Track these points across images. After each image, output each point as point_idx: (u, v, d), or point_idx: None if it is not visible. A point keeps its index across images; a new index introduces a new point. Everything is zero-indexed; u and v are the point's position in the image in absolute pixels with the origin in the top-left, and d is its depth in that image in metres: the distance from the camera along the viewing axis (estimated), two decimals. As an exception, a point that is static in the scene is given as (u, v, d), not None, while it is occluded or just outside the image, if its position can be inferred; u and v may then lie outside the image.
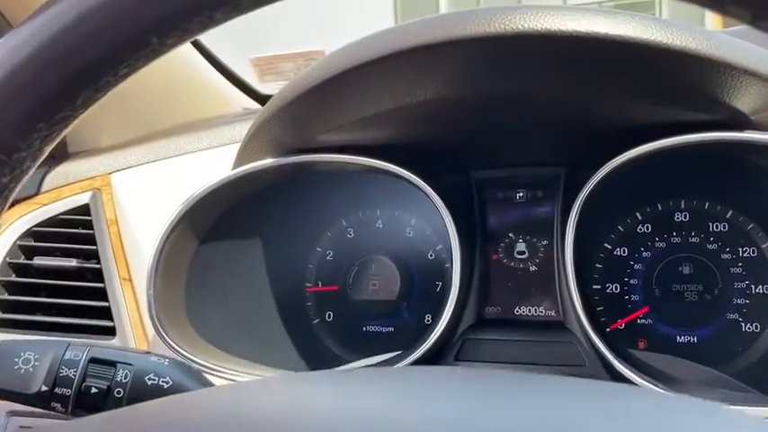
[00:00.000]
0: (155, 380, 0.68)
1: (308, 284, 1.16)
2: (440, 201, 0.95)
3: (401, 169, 0.93)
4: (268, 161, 0.90)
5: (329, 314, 1.15)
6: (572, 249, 0.92)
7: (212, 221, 0.94)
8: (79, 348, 0.68)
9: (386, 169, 0.93)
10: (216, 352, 0.93)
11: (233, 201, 0.95)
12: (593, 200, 0.95)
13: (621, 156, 0.87)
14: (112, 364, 0.68)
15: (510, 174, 1.09)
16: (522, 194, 1.10)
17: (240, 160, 0.95)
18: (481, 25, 0.69)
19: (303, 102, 0.82)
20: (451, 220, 0.96)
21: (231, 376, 0.90)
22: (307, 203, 1.09)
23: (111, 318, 1.01)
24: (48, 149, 0.48)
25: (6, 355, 0.67)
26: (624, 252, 1.04)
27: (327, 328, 1.15)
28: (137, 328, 1.00)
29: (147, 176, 1.18)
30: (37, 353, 0.67)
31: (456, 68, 0.75)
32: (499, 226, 1.10)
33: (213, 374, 0.90)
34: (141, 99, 1.29)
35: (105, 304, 1.02)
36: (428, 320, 1.11)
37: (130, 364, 0.68)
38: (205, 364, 0.89)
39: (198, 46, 1.33)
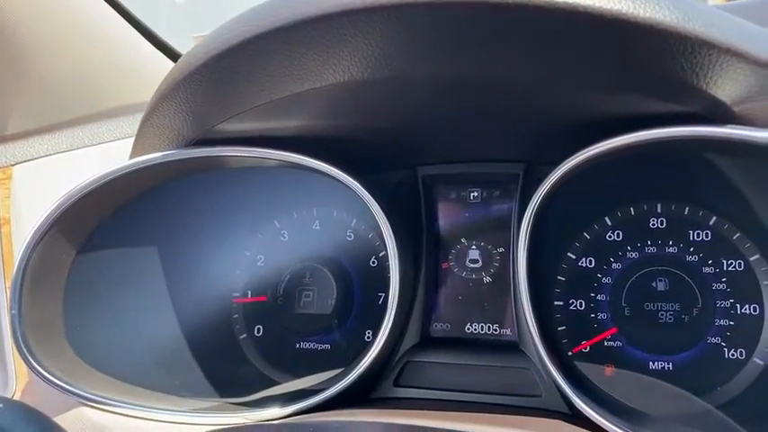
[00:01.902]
0: (-21, 431, 0.54)
1: (234, 294, 1.02)
2: (372, 200, 0.81)
3: (324, 164, 0.79)
4: (157, 155, 0.75)
5: (258, 328, 1.01)
6: (526, 257, 0.78)
7: (99, 224, 0.79)
8: None
9: (305, 165, 0.79)
10: (104, 380, 0.79)
11: (124, 199, 0.81)
12: (555, 201, 0.81)
13: (585, 151, 0.72)
14: None
15: (463, 170, 0.94)
16: (476, 194, 0.96)
17: (135, 152, 0.80)
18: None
19: (194, 82, 0.68)
20: (386, 221, 0.81)
21: (123, 409, 0.77)
22: (224, 202, 0.94)
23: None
24: None
25: None
26: (590, 263, 0.90)
27: (255, 344, 1.01)
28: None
29: (54, 169, 1.04)
30: None
31: (372, 44, 0.60)
32: (450, 229, 0.96)
33: (100, 407, 0.76)
34: (56, 81, 1.14)
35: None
36: (368, 337, 0.97)
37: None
38: (87, 395, 0.75)
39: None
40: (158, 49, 1.22)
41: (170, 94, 0.70)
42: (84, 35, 1.16)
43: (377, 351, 0.82)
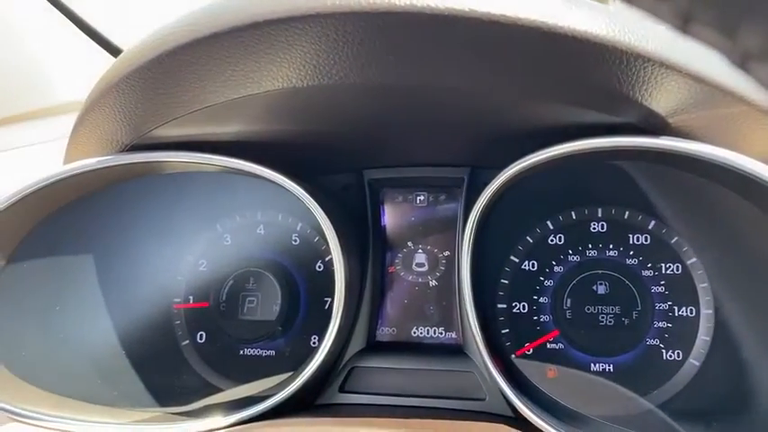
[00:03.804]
0: None
1: (176, 300, 1.00)
2: (315, 204, 0.80)
3: (264, 169, 0.77)
4: (92, 161, 0.72)
5: (201, 335, 0.99)
6: (469, 261, 0.78)
7: (28, 233, 0.76)
8: None
9: (245, 170, 0.77)
10: (35, 393, 0.75)
11: (56, 206, 0.78)
12: (499, 206, 0.81)
13: (526, 158, 0.73)
14: None
15: (409, 174, 0.94)
16: (422, 198, 0.95)
17: (68, 157, 0.77)
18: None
19: (127, 87, 0.65)
20: (330, 224, 0.80)
21: (56, 424, 0.74)
22: (164, 207, 0.92)
23: None
24: None
25: None
26: (533, 266, 0.91)
27: (198, 351, 0.99)
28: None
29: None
30: None
31: (309, 52, 0.59)
32: (396, 232, 0.96)
33: (31, 423, 0.73)
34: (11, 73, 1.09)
35: None
36: (314, 343, 0.96)
37: None
38: (17, 410, 0.72)
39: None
40: (101, 46, 1.18)
41: (102, 98, 0.68)
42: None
43: (322, 357, 0.81)
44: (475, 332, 0.78)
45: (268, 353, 0.97)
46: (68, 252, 0.81)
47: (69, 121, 1.06)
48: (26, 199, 0.72)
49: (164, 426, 0.77)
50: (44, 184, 0.71)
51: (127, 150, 0.75)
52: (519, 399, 0.74)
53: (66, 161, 0.78)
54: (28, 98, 1.17)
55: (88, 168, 0.72)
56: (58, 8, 1.05)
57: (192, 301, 0.99)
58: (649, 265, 0.87)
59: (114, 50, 1.19)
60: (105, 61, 1.22)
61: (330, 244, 0.82)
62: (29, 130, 1.11)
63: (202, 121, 0.72)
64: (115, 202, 0.84)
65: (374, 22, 0.53)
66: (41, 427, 0.73)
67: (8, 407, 0.71)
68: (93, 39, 1.17)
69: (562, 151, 0.68)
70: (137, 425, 0.76)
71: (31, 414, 0.72)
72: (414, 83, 0.63)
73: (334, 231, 0.81)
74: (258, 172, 0.77)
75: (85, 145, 0.74)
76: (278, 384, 0.88)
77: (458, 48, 0.55)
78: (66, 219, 0.78)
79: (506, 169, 0.74)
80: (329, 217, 0.81)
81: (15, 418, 0.72)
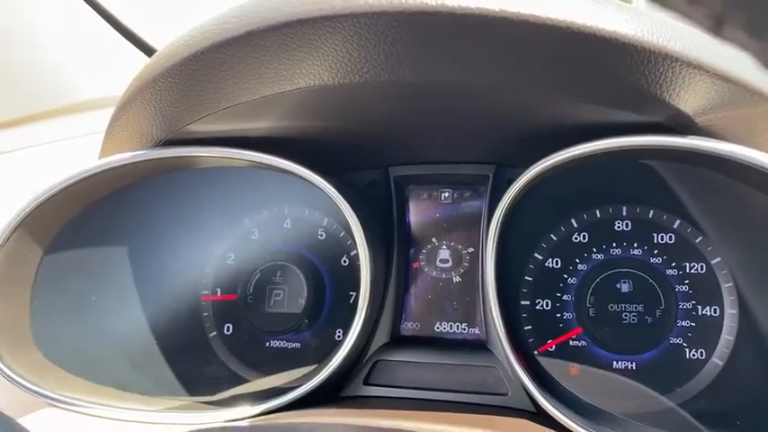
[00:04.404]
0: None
1: (204, 292, 1.02)
2: (342, 199, 0.81)
3: (293, 164, 0.79)
4: (128, 155, 0.75)
5: (228, 327, 1.01)
6: (494, 257, 0.79)
7: (67, 224, 0.78)
8: None
9: (274, 165, 0.79)
10: (73, 380, 0.78)
11: (93, 199, 0.80)
12: (523, 203, 0.82)
13: (552, 156, 0.74)
14: None
15: (434, 171, 0.95)
16: (447, 194, 0.97)
17: (104, 151, 0.79)
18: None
19: (163, 84, 0.67)
20: (357, 220, 0.82)
21: (92, 410, 0.76)
22: (195, 201, 0.94)
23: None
24: None
25: None
26: (557, 264, 0.91)
27: (225, 342, 1.01)
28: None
29: (26, 162, 1.02)
30: None
31: (341, 51, 0.61)
32: (421, 229, 0.97)
33: (68, 408, 0.76)
34: (31, 72, 1.12)
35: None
36: (339, 336, 0.98)
37: None
38: (54, 396, 0.75)
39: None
40: (134, 44, 1.21)
41: (139, 95, 0.70)
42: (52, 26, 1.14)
43: (347, 350, 0.83)
44: (498, 328, 0.79)
45: (294, 345, 0.99)
46: (103, 244, 0.84)
47: (91, 118, 1.10)
48: (63, 192, 0.74)
49: (194, 414, 0.79)
50: (81, 177, 0.74)
51: (161, 145, 0.77)
52: (541, 394, 0.75)
53: (102, 155, 0.80)
54: (53, 96, 1.19)
55: (123, 162, 0.74)
56: (93, 8, 1.07)
57: (219, 294, 1.02)
58: (673, 264, 0.87)
59: (147, 48, 1.21)
60: (128, 59, 1.25)
61: (356, 239, 0.83)
62: (55, 127, 1.13)
63: (234, 118, 0.74)
64: (148, 196, 0.86)
65: (405, 22, 0.54)
66: (78, 412, 0.76)
67: (47, 393, 0.74)
68: (127, 37, 1.19)
69: (589, 150, 0.69)
70: (168, 412, 0.79)
71: (68, 400, 0.75)
72: (442, 81, 0.64)
73: (360, 227, 0.82)
74: (287, 167, 0.79)
75: (121, 140, 0.76)
76: (303, 376, 0.90)
77: (487, 47, 0.56)
78: (101, 212, 0.81)
79: (532, 167, 0.75)
80: (356, 213, 0.82)
81: (54, 404, 0.75)
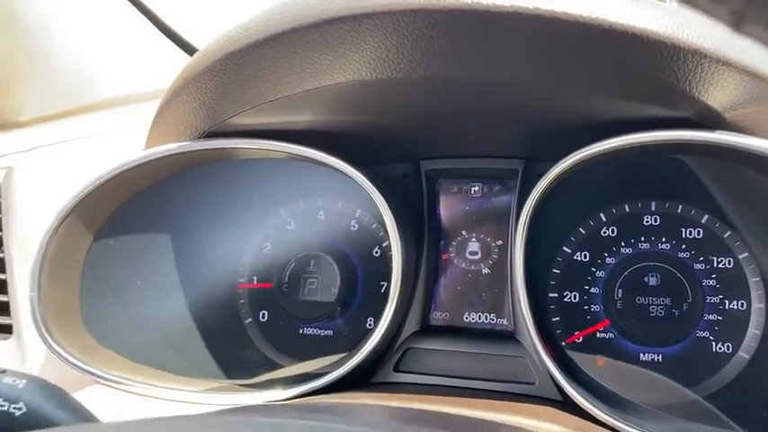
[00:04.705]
0: (4, 406, 0.58)
1: (240, 280, 1.06)
2: (376, 191, 0.84)
3: (330, 157, 0.82)
4: (173, 146, 0.78)
5: (263, 314, 1.05)
6: (523, 250, 0.81)
7: (113, 212, 0.82)
8: None
9: (311, 157, 0.82)
10: (119, 360, 0.82)
11: (138, 188, 0.84)
12: (553, 197, 0.84)
13: (581, 151, 0.75)
14: (-48, 386, 0.57)
15: (464, 165, 0.97)
16: (476, 188, 0.99)
17: (149, 143, 0.83)
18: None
19: (211, 77, 0.71)
20: (390, 213, 0.84)
21: (136, 389, 0.80)
22: (234, 191, 0.97)
23: (9, 314, 0.91)
24: None
25: None
26: (585, 257, 0.93)
27: (260, 329, 1.04)
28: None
29: (67, 155, 1.07)
30: None
31: (381, 47, 0.63)
32: (451, 222, 0.99)
33: (113, 387, 0.80)
34: (71, 68, 1.17)
35: (4, 299, 0.91)
36: (370, 325, 1.01)
37: (-26, 387, 0.58)
38: (103, 374, 0.79)
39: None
40: (171, 39, 1.24)
41: (184, 89, 0.74)
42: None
43: (378, 338, 0.86)
44: (527, 319, 0.81)
45: (326, 332, 1.02)
46: (146, 232, 0.88)
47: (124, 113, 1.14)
48: (111, 181, 0.78)
49: (230, 395, 0.83)
50: (129, 167, 0.78)
51: (203, 137, 0.80)
52: (568, 383, 0.77)
53: (147, 146, 0.84)
54: (87, 92, 1.24)
55: (170, 153, 0.78)
56: (136, 6, 1.12)
57: (255, 282, 1.05)
58: (701, 258, 0.88)
59: (186, 46, 1.25)
60: (160, 56, 1.29)
61: (389, 231, 0.86)
62: (90, 122, 1.17)
63: (274, 111, 0.77)
64: (189, 187, 0.90)
65: (441, 19, 0.56)
66: (122, 390, 0.80)
67: (95, 371, 0.78)
68: (169, 36, 1.23)
69: (618, 144, 0.71)
70: (206, 393, 0.82)
71: (114, 378, 0.79)
72: (476, 77, 0.67)
73: (393, 219, 0.85)
74: (324, 160, 0.82)
75: (166, 132, 0.80)
76: (335, 362, 0.92)
77: (521, 44, 0.59)
78: (144, 201, 0.84)
79: (562, 161, 0.77)
80: (389, 205, 0.85)
81: (101, 381, 0.79)
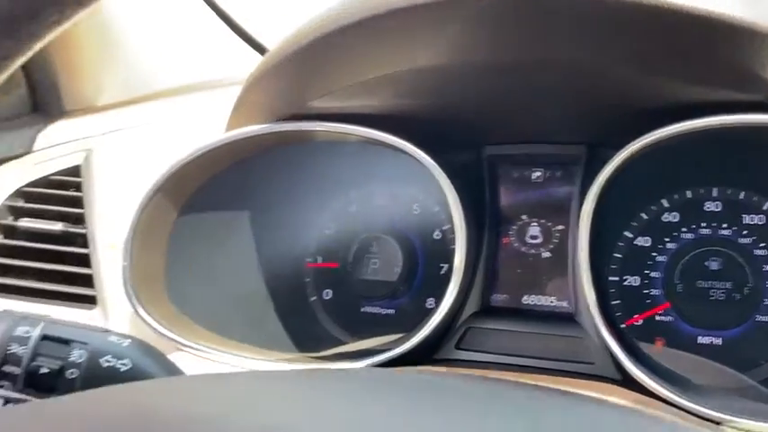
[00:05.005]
0: (111, 362, 0.63)
1: (307, 260, 1.10)
2: (443, 176, 0.87)
3: (402, 141, 0.86)
4: (255, 128, 0.83)
5: (327, 292, 1.09)
6: (587, 235, 0.84)
7: (196, 190, 0.87)
8: (32, 323, 0.63)
9: (385, 141, 0.85)
10: (199, 330, 0.87)
11: (219, 168, 0.89)
12: (615, 183, 0.86)
13: (647, 136, 0.78)
14: (66, 342, 0.63)
15: (526, 151, 1.00)
16: (538, 174, 1.01)
17: (230, 125, 0.88)
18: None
19: (294, 63, 0.75)
20: (456, 198, 0.88)
21: (215, 357, 0.85)
22: (307, 173, 1.02)
23: (93, 286, 0.97)
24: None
25: (-48, 327, 0.62)
26: (647, 242, 0.95)
27: (324, 306, 1.09)
28: (120, 299, 0.94)
29: (143, 138, 1.13)
30: (-15, 327, 0.62)
31: (463, 31, 0.67)
32: (511, 207, 1.02)
33: (194, 354, 0.85)
34: (141, 57, 1.22)
35: (88, 272, 0.97)
36: (431, 305, 1.04)
37: (86, 344, 0.63)
38: (185, 342, 0.84)
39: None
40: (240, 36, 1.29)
41: (270, 73, 0.78)
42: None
43: (441, 316, 0.89)
44: (590, 302, 0.83)
45: (387, 311, 1.06)
46: (226, 209, 0.93)
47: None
48: (197, 160, 0.83)
49: (304, 365, 0.87)
50: (212, 147, 0.82)
51: (283, 120, 0.85)
52: (631, 362, 0.79)
53: (228, 129, 0.89)
54: (160, 80, 1.30)
55: (252, 134, 0.82)
56: (208, 5, 1.16)
57: (320, 262, 1.09)
58: (762, 244, 0.89)
59: (255, 44, 1.30)
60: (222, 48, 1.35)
61: (454, 215, 0.89)
62: (161, 108, 1.23)
63: (350, 95, 0.81)
64: (266, 168, 0.94)
65: (522, 3, 0.59)
66: (204, 358, 0.84)
67: (179, 339, 0.83)
68: (238, 34, 1.28)
69: (687, 128, 0.73)
70: (280, 363, 0.87)
71: (196, 347, 0.84)
72: (553, 60, 0.70)
73: (459, 204, 0.89)
74: (396, 144, 0.86)
75: (247, 114, 0.85)
76: (396, 340, 0.96)
77: (600, 28, 0.62)
78: (223, 181, 0.89)
79: (629, 146, 0.79)
80: (456, 190, 0.88)
81: (183, 348, 0.84)
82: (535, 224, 1.01)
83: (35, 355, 0.61)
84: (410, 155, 0.87)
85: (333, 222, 1.10)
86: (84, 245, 1.01)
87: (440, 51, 0.70)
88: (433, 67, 0.73)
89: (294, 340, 0.99)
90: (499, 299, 1.01)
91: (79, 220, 1.03)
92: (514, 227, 1.01)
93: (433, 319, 0.90)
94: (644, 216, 0.96)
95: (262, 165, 0.93)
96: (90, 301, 0.95)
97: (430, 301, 1.04)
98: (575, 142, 0.97)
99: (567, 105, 0.87)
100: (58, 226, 1.00)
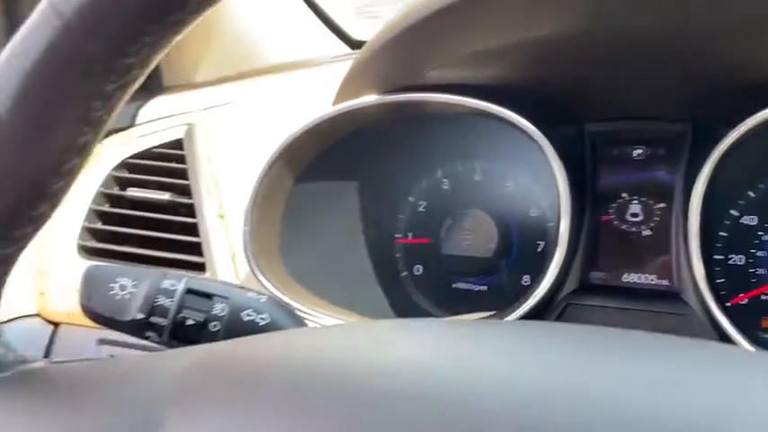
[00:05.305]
0: (251, 316, 0.65)
1: (397, 235, 1.11)
2: (553, 152, 0.88)
3: (515, 115, 0.86)
4: (372, 98, 0.84)
5: (418, 268, 1.10)
6: (698, 217, 0.83)
7: (309, 161, 0.89)
8: (176, 278, 0.65)
9: (497, 114, 0.86)
10: (306, 294, 0.89)
11: (330, 141, 0.91)
12: (724, 162, 0.85)
13: (762, 113, 0.77)
14: (209, 296, 0.65)
15: (629, 127, 0.99)
16: (640, 151, 1.00)
17: (340, 97, 0.89)
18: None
19: (415, 33, 0.76)
20: (564, 173, 0.88)
21: (321, 321, 0.87)
22: (403, 148, 1.03)
23: (201, 254, 1.00)
24: (155, 59, 0.44)
25: (102, 280, 0.65)
26: (753, 221, 0.94)
27: (415, 281, 1.10)
28: (227, 265, 0.97)
29: (240, 114, 1.15)
30: (133, 280, 0.65)
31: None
32: (612, 184, 1.01)
33: (308, 317, 0.87)
34: (235, 37, 1.25)
35: (197, 240, 1.00)
36: (526, 282, 1.04)
37: (227, 298, 0.65)
38: (299, 307, 0.86)
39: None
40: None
41: (387, 44, 0.79)
42: None
43: (543, 292, 0.90)
44: (699, 279, 0.83)
45: (480, 288, 1.07)
46: (335, 179, 0.95)
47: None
48: (312, 129, 0.85)
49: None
50: (329, 116, 0.84)
51: (396, 91, 0.86)
52: (742, 338, 0.79)
53: (338, 100, 0.91)
54: (256, 58, 1.33)
55: (369, 104, 0.84)
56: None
57: (411, 237, 1.11)
58: None
59: (345, 38, 1.32)
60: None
61: (560, 190, 0.90)
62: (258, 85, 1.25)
63: (466, 65, 0.82)
64: (372, 140, 0.96)
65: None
66: (316, 322, 0.87)
67: (293, 303, 0.85)
68: (328, 26, 1.30)
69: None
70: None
71: (306, 311, 0.86)
72: (673, 34, 0.69)
73: (566, 178, 0.89)
74: (507, 116, 0.86)
75: (361, 85, 0.86)
76: (491, 316, 0.97)
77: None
78: (336, 151, 0.91)
79: (742, 124, 0.79)
80: (564, 166, 0.89)
81: (296, 311, 0.86)
82: (636, 202, 1.00)
83: (181, 307, 0.64)
84: (520, 129, 0.88)
85: (425, 197, 1.11)
86: (188, 215, 1.04)
87: (563, 19, 0.71)
88: (555, 35, 0.73)
89: (390, 313, 1.01)
90: (598, 276, 1.00)
91: (184, 191, 1.06)
92: (614, 205, 1.01)
93: (535, 294, 0.90)
94: (751, 194, 0.94)
95: (369, 137, 0.94)
96: (199, 268, 0.99)
97: (526, 278, 1.04)
98: (679, 119, 0.96)
99: (674, 80, 0.86)
100: (165, 196, 1.04)
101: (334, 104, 0.91)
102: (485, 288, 1.07)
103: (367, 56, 0.82)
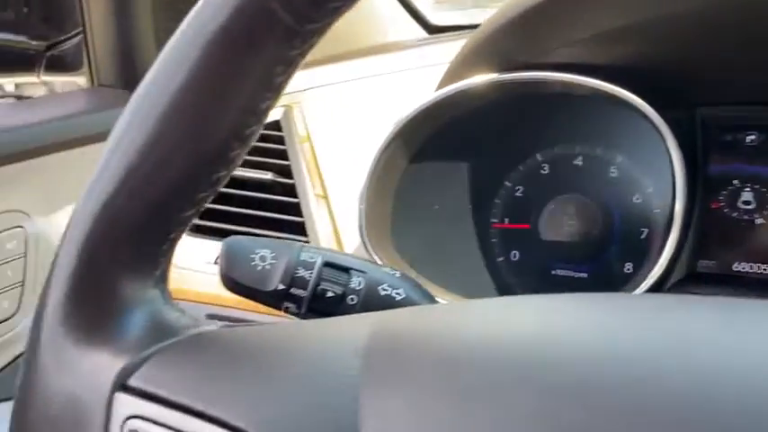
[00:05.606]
0: (387, 290, 0.65)
1: (493, 221, 1.10)
2: (671, 136, 0.86)
3: (634, 96, 0.84)
4: (494, 76, 0.83)
5: (515, 254, 1.09)
6: None
7: (422, 142, 0.89)
8: (313, 251, 0.66)
9: (617, 95, 0.84)
10: (411, 273, 0.89)
11: (441, 121, 0.90)
12: None
13: None
14: (346, 270, 0.65)
15: (742, 112, 0.96)
16: (753, 137, 0.97)
17: (451, 77, 0.89)
18: None
19: (543, 10, 0.75)
20: (681, 158, 0.86)
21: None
22: (506, 131, 1.02)
23: (305, 233, 1.00)
24: (332, 26, 0.44)
25: (243, 251, 0.65)
26: None
27: (511, 267, 1.09)
28: (332, 244, 0.98)
29: (336, 96, 1.16)
30: (272, 251, 0.65)
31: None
32: (723, 171, 0.99)
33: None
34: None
35: (300, 219, 1.01)
36: (628, 269, 1.02)
37: (364, 272, 0.65)
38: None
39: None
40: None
41: (511, 22, 0.78)
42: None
43: (653, 281, 0.88)
44: None
45: (580, 275, 1.05)
46: (447, 159, 0.94)
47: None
48: (429, 108, 0.85)
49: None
50: (449, 93, 0.83)
51: (514, 70, 0.85)
52: None
53: (447, 82, 0.90)
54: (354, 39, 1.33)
55: (492, 81, 0.83)
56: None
57: (507, 222, 1.09)
58: None
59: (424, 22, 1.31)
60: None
61: (677, 175, 0.88)
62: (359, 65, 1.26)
63: (590, 45, 0.80)
64: (478, 121, 0.95)
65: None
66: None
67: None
68: (408, 10, 1.29)
69: None
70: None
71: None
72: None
73: (683, 163, 0.87)
74: (628, 98, 0.84)
75: (476, 64, 0.85)
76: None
77: None
78: (451, 131, 0.91)
79: None
80: (681, 152, 0.87)
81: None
82: (748, 189, 0.97)
83: (319, 279, 0.64)
84: (638, 111, 0.86)
85: (521, 184, 1.10)
86: (288, 195, 1.05)
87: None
88: (683, 12, 0.71)
89: (485, 296, 1.00)
90: (707, 265, 0.98)
91: (282, 171, 1.07)
92: (725, 192, 0.98)
93: (643, 283, 0.89)
94: None
95: (471, 120, 0.93)
96: (302, 247, 0.99)
97: (628, 266, 1.02)
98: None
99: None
100: (268, 176, 1.05)
101: (441, 85, 0.91)
102: (585, 275, 1.05)
103: (486, 34, 0.81)
